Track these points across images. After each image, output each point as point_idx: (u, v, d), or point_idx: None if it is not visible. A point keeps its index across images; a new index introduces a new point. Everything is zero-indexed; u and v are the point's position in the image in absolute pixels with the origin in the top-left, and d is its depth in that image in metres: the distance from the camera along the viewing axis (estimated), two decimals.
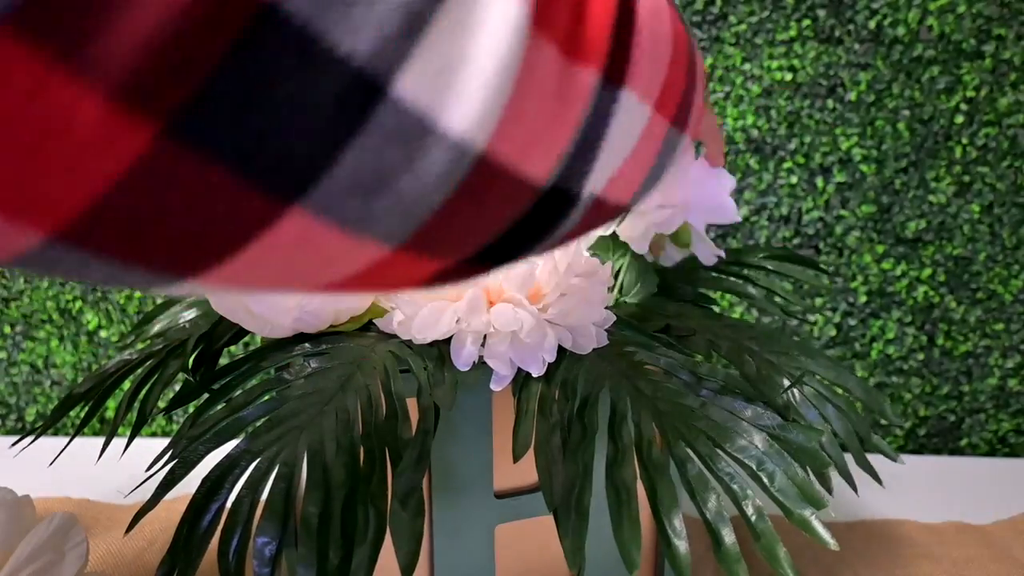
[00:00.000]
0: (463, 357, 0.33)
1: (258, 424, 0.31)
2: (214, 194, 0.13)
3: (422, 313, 0.33)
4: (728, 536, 0.28)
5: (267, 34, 0.12)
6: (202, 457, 0.30)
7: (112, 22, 0.12)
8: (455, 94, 0.14)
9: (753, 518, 0.29)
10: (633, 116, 0.19)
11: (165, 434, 0.73)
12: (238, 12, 0.12)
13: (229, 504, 0.29)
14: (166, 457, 0.30)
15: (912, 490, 0.58)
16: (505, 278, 0.33)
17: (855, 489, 0.38)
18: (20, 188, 0.13)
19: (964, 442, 0.71)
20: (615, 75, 0.18)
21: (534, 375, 0.34)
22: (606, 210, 0.21)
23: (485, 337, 0.34)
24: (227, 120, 0.13)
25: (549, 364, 0.35)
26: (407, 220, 0.15)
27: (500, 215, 0.17)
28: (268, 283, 0.16)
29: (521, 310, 0.33)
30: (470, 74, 0.14)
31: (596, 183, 0.19)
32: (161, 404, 0.68)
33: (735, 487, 0.29)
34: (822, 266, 0.48)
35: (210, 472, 0.29)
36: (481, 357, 0.34)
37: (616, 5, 0.17)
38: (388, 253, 0.16)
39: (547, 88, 0.16)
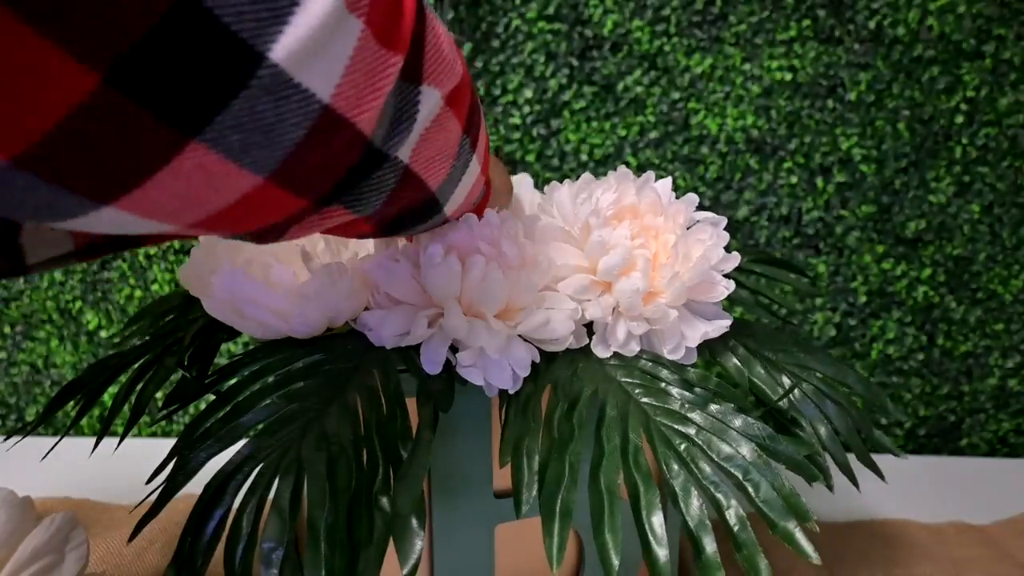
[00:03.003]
0: (432, 362, 0.33)
1: (259, 428, 0.31)
2: (137, 129, 0.18)
3: (386, 317, 0.34)
4: (709, 545, 0.28)
5: (186, 12, 0.17)
6: (203, 463, 0.30)
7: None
8: (310, 62, 0.19)
9: (735, 528, 0.29)
10: (429, 103, 0.26)
11: (165, 433, 0.73)
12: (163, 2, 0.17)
13: (233, 510, 0.29)
14: (170, 466, 0.30)
15: (912, 490, 0.58)
16: (477, 294, 0.33)
17: (857, 486, 0.38)
18: None
19: (964, 442, 0.71)
20: (415, 70, 0.25)
21: (509, 391, 0.33)
22: (417, 184, 0.28)
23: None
24: (151, 73, 0.17)
25: (540, 364, 0.35)
26: (274, 153, 0.21)
27: (342, 160, 0.23)
28: (170, 209, 0.20)
29: (484, 327, 0.33)
30: (314, 44, 0.19)
31: (405, 153, 0.26)
32: (159, 397, 0.68)
33: (719, 496, 0.29)
34: (807, 272, 0.48)
35: (212, 478, 0.29)
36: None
37: (415, 17, 0.24)
38: (260, 181, 0.21)
39: (370, 65, 0.22)
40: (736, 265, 0.37)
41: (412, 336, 0.33)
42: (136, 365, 0.37)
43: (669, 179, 0.39)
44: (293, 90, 0.20)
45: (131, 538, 0.30)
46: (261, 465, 0.29)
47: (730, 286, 0.36)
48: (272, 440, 0.30)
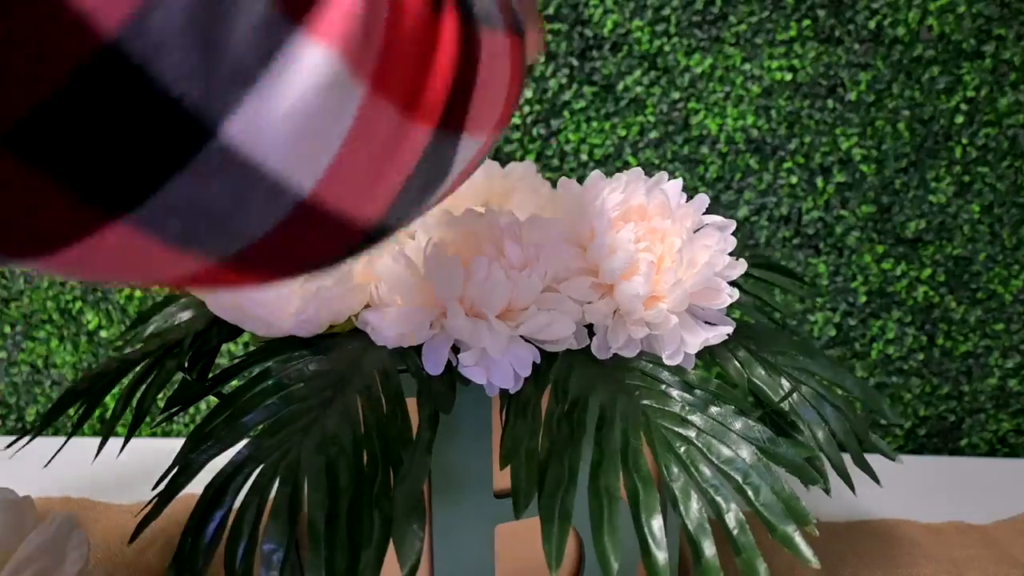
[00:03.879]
0: (433, 362, 0.33)
1: (260, 429, 0.31)
2: (42, 200, 0.15)
3: (390, 316, 0.34)
4: (708, 548, 0.28)
5: (105, 69, 0.13)
6: (204, 464, 0.30)
7: None
8: (283, 143, 0.15)
9: (735, 531, 0.29)
10: (468, 153, 0.21)
11: (164, 434, 0.73)
12: (77, 46, 0.13)
13: (233, 511, 0.29)
14: (174, 471, 0.30)
15: (912, 490, 0.58)
16: (480, 295, 0.33)
17: (853, 490, 0.38)
18: None
19: (964, 442, 0.71)
20: (454, 125, 0.19)
21: (510, 391, 0.33)
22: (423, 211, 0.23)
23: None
24: (59, 140, 0.14)
25: (541, 364, 0.35)
26: (229, 243, 0.17)
27: (327, 247, 0.19)
28: (100, 275, 0.17)
29: (486, 327, 0.33)
30: (294, 127, 0.15)
31: (425, 207, 0.21)
32: (159, 402, 0.68)
33: (718, 499, 0.29)
34: (804, 277, 0.48)
35: (213, 479, 0.29)
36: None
37: (457, 66, 0.18)
38: (212, 265, 0.17)
39: (383, 142, 0.17)
40: (742, 272, 0.37)
41: (415, 337, 0.33)
42: (137, 368, 0.37)
43: (679, 181, 0.39)
44: (255, 176, 0.15)
45: (132, 539, 0.30)
46: (262, 466, 0.29)
47: (734, 294, 0.36)
48: (272, 441, 0.30)
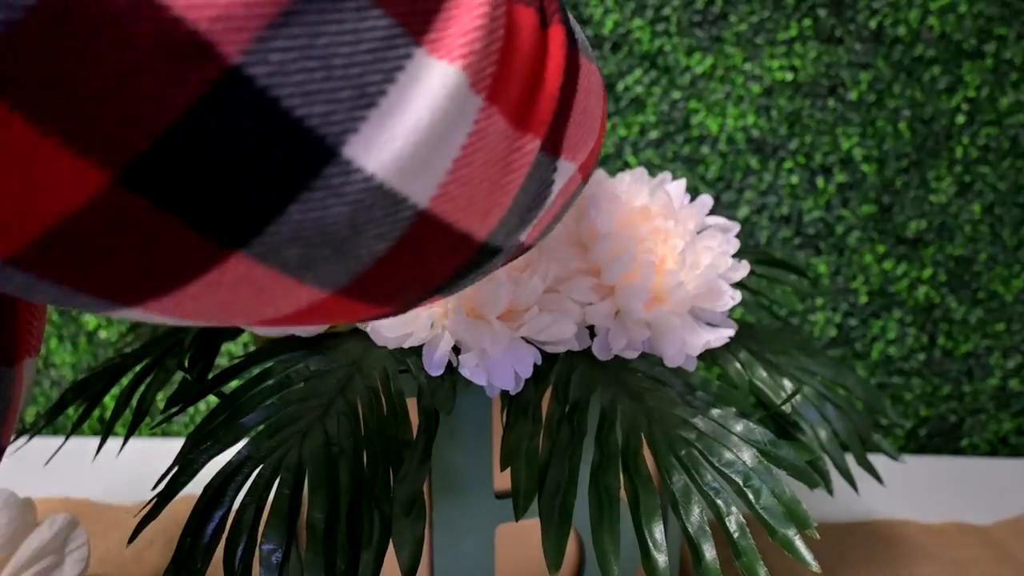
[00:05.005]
0: (434, 362, 0.33)
1: (259, 430, 0.31)
2: (159, 237, 0.14)
3: (393, 319, 0.34)
4: (709, 552, 0.28)
5: (228, 95, 0.13)
6: (204, 464, 0.30)
7: (70, 72, 0.12)
8: (403, 159, 0.15)
9: (736, 535, 0.29)
10: (564, 179, 0.21)
11: (164, 434, 0.73)
12: (200, 72, 0.13)
13: (232, 511, 0.29)
14: (173, 471, 0.30)
15: (913, 490, 0.58)
16: (480, 297, 0.33)
17: (856, 489, 0.38)
18: None
19: (965, 442, 0.71)
20: (554, 145, 0.19)
21: (511, 391, 0.33)
22: (521, 251, 0.23)
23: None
24: (179, 173, 0.13)
25: (542, 366, 0.35)
26: (347, 269, 0.16)
27: (441, 268, 0.18)
28: (208, 316, 0.17)
29: (487, 329, 0.33)
30: (415, 142, 0.15)
31: (525, 234, 0.21)
32: (159, 402, 0.68)
33: (719, 502, 0.29)
34: (811, 273, 0.48)
35: (212, 479, 0.29)
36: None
37: (562, 84, 0.19)
38: (329, 295, 0.17)
39: (496, 154, 0.17)
40: (744, 275, 0.37)
41: (415, 338, 0.33)
42: (137, 368, 0.37)
43: (683, 181, 0.38)
44: (377, 193, 0.15)
45: (131, 539, 0.30)
46: (261, 466, 0.29)
47: (736, 296, 0.36)
48: (272, 441, 0.30)
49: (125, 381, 0.39)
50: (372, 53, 0.14)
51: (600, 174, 0.40)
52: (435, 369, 0.33)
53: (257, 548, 0.28)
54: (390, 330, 0.33)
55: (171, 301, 0.16)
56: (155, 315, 0.16)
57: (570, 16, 0.20)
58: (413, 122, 0.15)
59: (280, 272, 0.16)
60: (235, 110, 0.13)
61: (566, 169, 0.21)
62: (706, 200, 0.37)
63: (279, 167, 0.14)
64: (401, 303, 0.19)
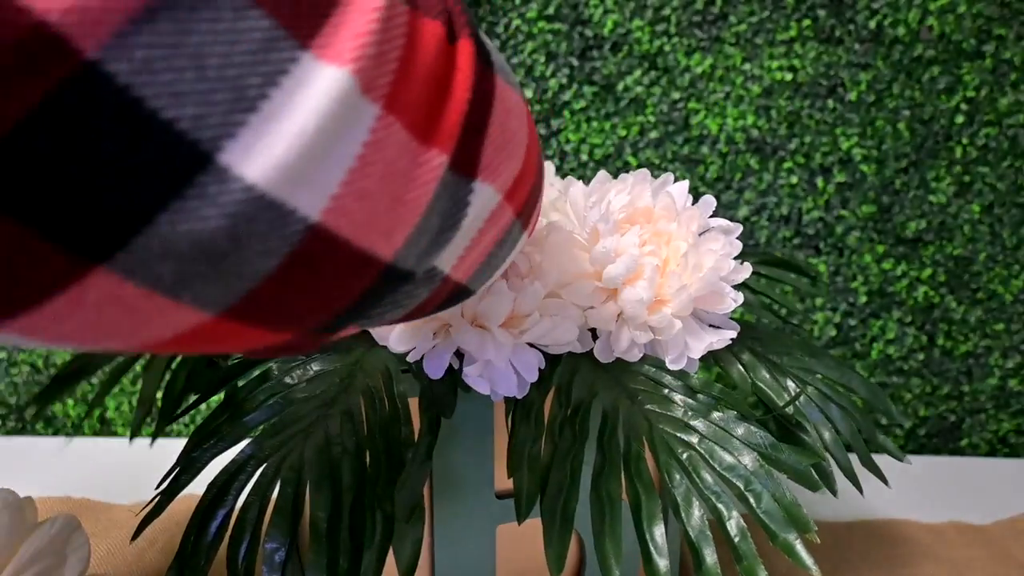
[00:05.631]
0: (436, 368, 0.33)
1: (262, 429, 0.31)
2: (12, 248, 0.13)
3: (396, 332, 0.34)
4: (710, 555, 0.28)
5: (83, 92, 0.12)
6: (206, 463, 0.30)
7: None
8: (288, 168, 0.14)
9: (736, 538, 0.29)
10: (486, 203, 0.20)
11: (166, 434, 0.73)
12: (51, 67, 0.12)
13: (236, 510, 0.29)
14: (176, 471, 0.30)
15: (912, 490, 0.58)
16: (483, 308, 0.33)
17: (860, 491, 0.38)
18: None
19: (964, 442, 0.71)
20: (468, 164, 0.18)
21: (517, 397, 0.33)
22: (449, 287, 0.22)
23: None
24: (29, 177, 0.12)
25: (544, 369, 0.35)
26: (229, 289, 0.15)
27: (343, 287, 0.17)
28: (79, 339, 0.15)
29: (491, 339, 0.33)
30: (300, 149, 0.14)
31: (446, 262, 0.20)
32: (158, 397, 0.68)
33: (720, 505, 0.29)
34: (814, 272, 0.48)
35: (215, 478, 0.29)
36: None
37: (471, 99, 0.18)
38: (210, 318, 0.15)
39: (397, 167, 0.16)
40: (747, 276, 0.37)
41: (417, 351, 0.33)
42: (137, 367, 0.37)
43: (686, 182, 0.38)
44: (259, 204, 0.14)
45: (134, 537, 0.30)
46: (264, 466, 0.29)
47: (739, 298, 0.36)
48: (275, 441, 0.30)
49: (126, 381, 0.39)
50: (252, 55, 0.14)
51: (603, 174, 0.40)
52: (435, 373, 0.33)
53: (260, 547, 0.28)
54: (398, 344, 0.34)
55: (32, 320, 0.14)
56: (18, 337, 0.15)
57: (485, 38, 0.20)
58: (298, 128, 0.14)
59: (152, 291, 0.14)
60: (92, 110, 0.12)
61: (486, 193, 0.19)
62: (709, 201, 0.37)
63: (145, 173, 0.13)
64: (302, 329, 0.18)
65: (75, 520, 0.35)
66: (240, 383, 0.33)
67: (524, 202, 0.23)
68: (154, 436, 0.36)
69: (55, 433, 0.72)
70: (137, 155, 0.13)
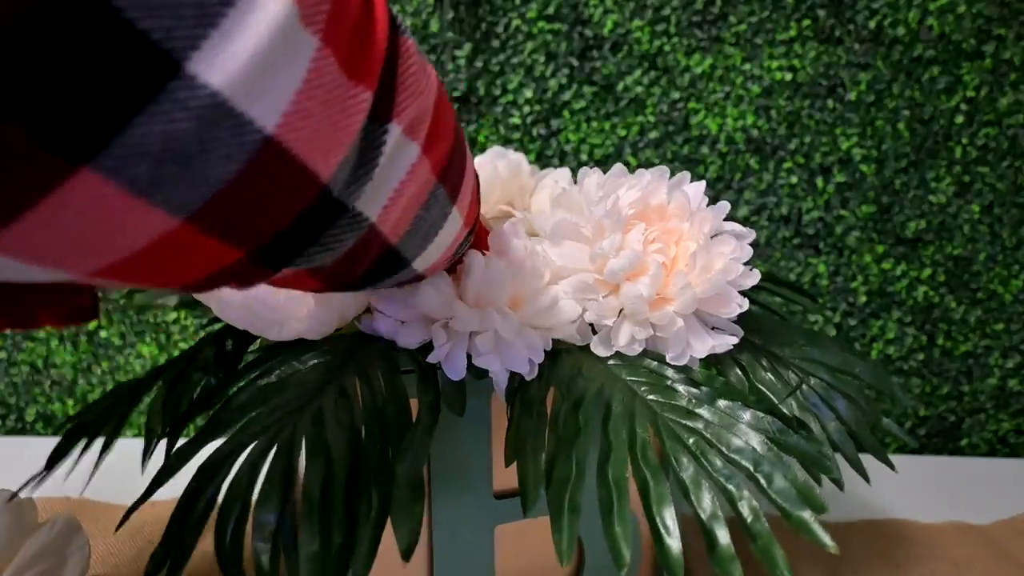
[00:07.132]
0: (454, 369, 0.33)
1: (256, 412, 0.30)
2: (5, 151, 0.14)
3: (405, 331, 0.34)
4: (723, 537, 0.28)
5: (67, 2, 0.13)
6: (199, 449, 0.29)
7: None
8: (245, 79, 0.16)
9: (749, 519, 0.28)
10: (401, 149, 0.22)
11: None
12: None
13: (224, 488, 0.28)
14: (168, 458, 0.30)
15: (912, 490, 0.58)
16: (484, 287, 0.33)
17: (867, 480, 0.38)
18: None
19: (964, 442, 0.71)
20: (385, 107, 0.21)
21: (526, 377, 0.34)
22: (379, 243, 0.24)
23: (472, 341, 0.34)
24: (15, 78, 0.13)
25: (545, 364, 0.35)
26: (195, 190, 0.16)
27: (287, 204, 0.19)
28: (60, 252, 0.16)
29: (496, 312, 0.33)
30: (255, 64, 0.16)
31: (369, 207, 0.22)
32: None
33: (731, 487, 0.29)
34: (816, 299, 0.48)
35: (208, 457, 0.29)
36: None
37: (387, 46, 0.20)
38: (177, 224, 0.17)
39: (333, 95, 0.18)
40: (755, 283, 0.37)
41: (436, 352, 0.33)
42: (160, 383, 0.37)
43: (702, 183, 0.38)
44: (221, 111, 0.16)
45: (119, 526, 0.30)
46: (257, 440, 0.29)
47: (744, 304, 0.36)
48: (270, 419, 0.29)
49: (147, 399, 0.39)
50: None
51: (619, 167, 0.39)
52: (455, 375, 0.33)
53: (249, 520, 0.27)
54: (408, 338, 0.34)
55: (17, 229, 0.15)
56: (3, 250, 0.16)
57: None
58: (252, 44, 0.16)
59: (128, 190, 0.15)
60: (76, 17, 0.14)
61: (400, 138, 0.21)
62: (724, 205, 0.37)
63: (124, 78, 0.14)
64: (249, 248, 0.19)
65: (76, 521, 0.35)
66: (242, 383, 0.33)
67: (444, 164, 0.25)
68: (168, 452, 0.36)
69: (55, 433, 0.72)
70: (118, 62, 0.14)
